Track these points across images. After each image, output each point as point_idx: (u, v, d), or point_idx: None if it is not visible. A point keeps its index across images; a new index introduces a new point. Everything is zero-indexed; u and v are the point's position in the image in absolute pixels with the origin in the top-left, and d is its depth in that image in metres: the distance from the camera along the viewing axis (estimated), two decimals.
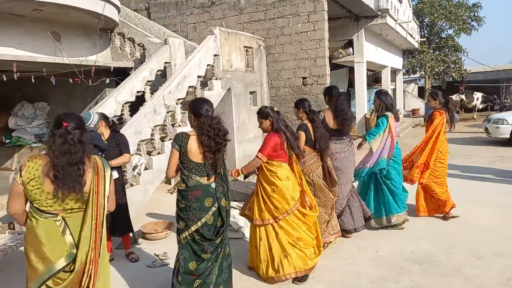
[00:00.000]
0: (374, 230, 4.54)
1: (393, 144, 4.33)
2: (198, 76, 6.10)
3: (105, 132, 3.78)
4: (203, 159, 2.66)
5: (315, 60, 7.84)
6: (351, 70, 11.89)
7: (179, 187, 2.76)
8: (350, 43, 11.20)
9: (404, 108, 19.83)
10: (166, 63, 6.74)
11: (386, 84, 15.65)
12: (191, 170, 2.68)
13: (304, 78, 7.98)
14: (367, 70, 15.49)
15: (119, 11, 7.85)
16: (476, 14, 19.82)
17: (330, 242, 4.05)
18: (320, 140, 3.83)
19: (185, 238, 2.74)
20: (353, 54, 11.11)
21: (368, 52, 11.59)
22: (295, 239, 3.38)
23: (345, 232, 4.25)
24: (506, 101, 16.72)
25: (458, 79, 21.01)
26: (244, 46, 7.44)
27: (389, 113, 4.28)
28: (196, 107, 2.73)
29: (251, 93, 7.78)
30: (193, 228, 2.70)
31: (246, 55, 7.57)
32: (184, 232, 2.73)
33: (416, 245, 4.08)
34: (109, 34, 8.02)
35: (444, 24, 20.16)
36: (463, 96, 19.55)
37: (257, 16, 8.11)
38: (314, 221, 3.56)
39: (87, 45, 7.53)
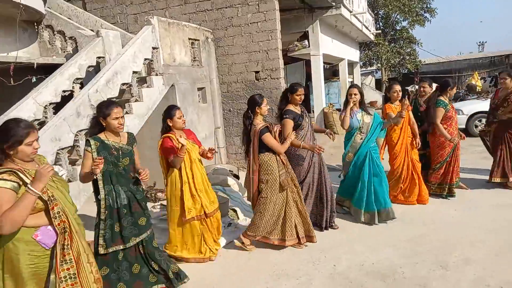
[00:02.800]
0: (332, 238, 4.09)
1: None
2: (134, 72, 5.39)
3: None
4: None
5: (267, 53, 7.31)
6: (308, 63, 11.49)
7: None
8: (305, 36, 10.78)
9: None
10: (99, 57, 5.96)
11: (344, 77, 15.46)
12: None
13: (256, 72, 7.44)
14: (324, 63, 15.21)
15: (45, 1, 6.93)
16: (428, 6, 20.16)
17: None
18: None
19: None
20: (308, 46, 10.69)
21: (324, 45, 11.24)
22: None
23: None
24: (459, 91, 17.08)
25: (413, 71, 21.37)
26: (189, 38, 6.78)
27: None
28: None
29: (200, 89, 7.13)
30: None
31: (192, 48, 6.91)
32: None
33: (378, 255, 3.66)
34: (36, 27, 7.09)
35: (398, 16, 20.36)
36: (417, 87, 19.88)
37: (204, 6, 7.46)
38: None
39: (9, 40, 6.58)
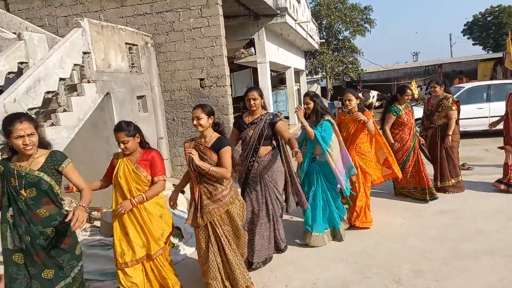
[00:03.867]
0: (282, 255, 3.85)
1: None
2: (61, 79, 4.83)
3: None
4: None
5: (212, 60, 7.01)
6: (255, 71, 11.36)
7: None
8: (252, 43, 10.65)
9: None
10: (21, 63, 5.30)
11: (291, 85, 15.57)
12: None
13: (201, 79, 7.10)
14: (271, 71, 15.23)
15: None
16: (368, 17, 21.06)
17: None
18: None
19: None
20: (255, 54, 10.57)
21: (270, 52, 11.18)
22: None
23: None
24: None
25: (356, 79, 22.15)
26: (126, 43, 6.29)
27: (329, 117, 3.95)
28: None
29: (140, 97, 6.65)
30: None
31: (130, 53, 6.43)
32: None
33: (330, 271, 3.47)
34: None
35: (340, 26, 21.04)
36: (360, 95, 20.57)
37: (142, 9, 7.00)
38: None
39: None
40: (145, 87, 6.73)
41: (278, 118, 3.52)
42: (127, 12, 7.08)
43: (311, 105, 3.99)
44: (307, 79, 21.95)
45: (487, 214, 4.50)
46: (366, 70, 23.54)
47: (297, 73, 18.47)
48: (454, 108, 5.24)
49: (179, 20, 6.96)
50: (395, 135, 5.09)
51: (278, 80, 18.76)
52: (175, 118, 7.26)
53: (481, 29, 35.59)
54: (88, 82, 5.32)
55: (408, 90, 5.07)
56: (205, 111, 2.99)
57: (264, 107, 3.62)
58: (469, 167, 6.63)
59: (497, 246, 3.68)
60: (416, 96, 17.85)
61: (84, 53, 5.28)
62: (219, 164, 2.90)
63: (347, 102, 4.35)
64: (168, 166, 7.31)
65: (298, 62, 16.86)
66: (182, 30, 6.98)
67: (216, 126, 3.07)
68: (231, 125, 7.17)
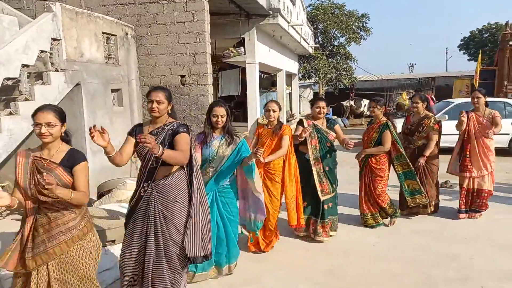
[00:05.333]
0: (242, 269, 3.58)
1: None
2: (24, 65, 4.51)
3: None
4: None
5: (194, 56, 6.73)
6: (244, 71, 11.09)
7: None
8: (242, 42, 10.39)
9: (300, 113, 19.98)
10: None
11: (282, 88, 15.33)
12: None
13: (182, 76, 6.81)
14: (262, 72, 15.00)
15: None
16: (364, 25, 20.92)
17: None
18: None
19: None
20: (244, 54, 10.30)
21: (260, 53, 10.91)
22: None
23: None
24: (389, 108, 17.81)
25: (349, 86, 21.99)
26: (104, 33, 5.98)
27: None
28: None
29: (115, 90, 6.34)
30: None
31: (107, 43, 6.11)
32: None
33: None
34: None
35: (336, 32, 20.87)
36: (352, 102, 20.46)
37: None
38: None
39: None
40: (121, 80, 6.42)
41: (184, 128, 2.65)
42: (109, 1, 6.77)
43: (223, 117, 3.29)
44: (300, 83, 21.74)
45: (464, 238, 4.28)
46: (359, 78, 23.41)
47: (290, 76, 18.24)
48: (435, 128, 4.77)
49: (163, 12, 6.66)
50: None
51: (270, 82, 18.52)
52: None
53: (477, 45, 35.73)
54: (56, 70, 5.01)
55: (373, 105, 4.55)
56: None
57: (171, 114, 2.81)
58: (451, 185, 6.43)
59: (470, 275, 3.45)
60: (407, 106, 17.76)
61: (54, 39, 4.97)
62: (73, 186, 2.23)
63: (268, 112, 3.85)
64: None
65: (290, 65, 16.63)
66: (166, 23, 6.69)
67: (65, 135, 2.33)
68: None
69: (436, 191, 5.02)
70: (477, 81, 13.92)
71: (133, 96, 6.69)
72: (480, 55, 14.50)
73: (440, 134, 4.89)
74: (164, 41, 6.74)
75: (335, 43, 21.46)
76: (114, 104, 6.33)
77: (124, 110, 6.48)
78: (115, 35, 6.26)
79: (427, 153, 4.74)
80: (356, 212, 4.86)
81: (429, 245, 4.11)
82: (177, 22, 6.66)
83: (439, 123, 4.84)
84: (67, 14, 5.18)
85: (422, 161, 4.74)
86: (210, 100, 6.87)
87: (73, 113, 5.47)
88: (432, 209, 5.01)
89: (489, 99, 10.90)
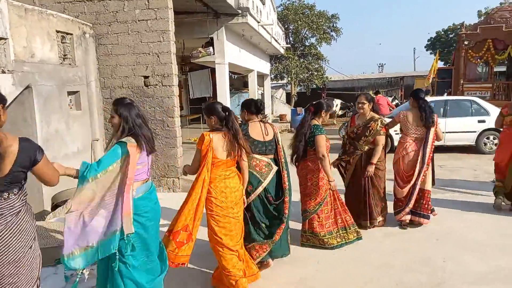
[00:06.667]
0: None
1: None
2: None
3: None
4: None
5: (158, 56, 6.41)
6: (214, 71, 10.83)
7: None
8: (211, 42, 10.13)
9: (272, 114, 19.89)
10: None
11: (254, 88, 15.17)
12: None
13: (146, 77, 6.48)
14: (232, 73, 14.80)
15: None
16: (334, 25, 21.07)
17: None
18: None
19: None
20: (213, 54, 10.05)
21: (230, 54, 10.69)
22: None
23: None
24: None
25: (321, 86, 22.10)
26: (58, 31, 5.58)
27: (128, 139, 2.51)
28: None
29: (72, 93, 5.94)
30: None
31: (62, 43, 5.71)
32: None
33: None
34: None
35: (307, 33, 20.91)
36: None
37: None
38: None
39: None
40: (79, 81, 6.02)
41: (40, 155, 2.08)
42: None
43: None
44: (272, 83, 21.66)
45: (436, 239, 4.20)
46: (331, 78, 23.59)
47: (261, 77, 18.12)
48: (382, 132, 4.36)
49: (124, 10, 6.32)
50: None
51: (242, 83, 18.32)
52: None
53: (443, 45, 36.87)
54: (3, 72, 4.59)
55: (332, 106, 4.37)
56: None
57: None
58: None
59: (443, 279, 3.35)
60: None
61: (0, 38, 4.55)
62: None
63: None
64: None
65: (262, 65, 16.49)
66: (127, 21, 6.34)
67: None
68: (177, 128, 6.61)
69: (384, 202, 4.60)
70: (430, 79, 14.34)
71: (92, 99, 6.30)
72: (437, 55, 15.03)
73: (387, 138, 4.57)
74: (125, 40, 6.39)
75: (306, 43, 21.52)
76: (71, 108, 5.94)
77: (82, 114, 6.09)
78: (71, 34, 5.87)
79: (375, 160, 4.33)
80: None
81: (401, 248, 4.01)
82: (139, 20, 6.33)
83: (386, 126, 4.47)
84: (14, 11, 4.77)
85: (370, 170, 4.34)
86: (176, 102, 6.59)
87: (23, 118, 5.06)
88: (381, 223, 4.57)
89: (456, 97, 11.09)
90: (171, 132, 6.54)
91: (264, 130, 3.48)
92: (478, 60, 12.78)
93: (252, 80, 15.00)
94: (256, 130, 3.46)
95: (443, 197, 5.63)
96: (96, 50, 6.43)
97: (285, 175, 3.50)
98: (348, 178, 4.61)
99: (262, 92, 18.30)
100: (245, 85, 17.04)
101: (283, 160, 3.53)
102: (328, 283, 3.35)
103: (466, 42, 12.38)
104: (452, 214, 4.98)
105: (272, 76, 20.75)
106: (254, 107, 3.49)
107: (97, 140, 6.36)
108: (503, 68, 15.66)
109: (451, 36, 36.64)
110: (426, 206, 4.52)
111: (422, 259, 3.73)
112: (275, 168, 3.48)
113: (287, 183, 3.48)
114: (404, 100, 20.29)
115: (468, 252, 3.84)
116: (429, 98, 10.66)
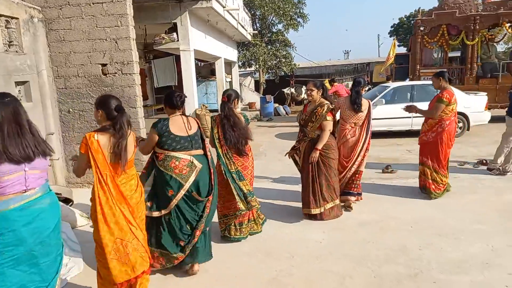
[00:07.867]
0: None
1: None
2: None
3: None
4: None
5: (116, 42, 5.96)
6: (178, 58, 10.37)
7: None
8: (174, 28, 9.65)
9: (241, 102, 19.57)
10: None
11: (221, 76, 14.79)
12: None
13: (103, 65, 6.01)
14: (198, 60, 14.29)
15: None
16: (301, 11, 20.86)
17: None
18: None
19: None
20: (177, 40, 9.59)
21: (195, 40, 10.26)
22: None
23: None
24: (330, 95, 17.97)
25: (289, 73, 21.96)
26: (1, 15, 5.03)
27: None
28: None
29: (21, 83, 5.42)
30: None
31: (7, 28, 5.16)
32: None
33: None
34: None
35: (274, 19, 20.61)
36: (293, 90, 20.47)
37: None
38: None
39: None
40: (28, 70, 5.50)
41: None
42: None
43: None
44: (240, 71, 21.28)
45: (410, 226, 4.14)
46: (299, 65, 23.49)
47: (229, 64, 17.70)
48: (329, 118, 4.22)
49: None
50: None
51: (209, 71, 17.84)
52: (70, 109, 6.10)
53: (405, 31, 37.65)
54: None
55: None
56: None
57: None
58: (392, 170, 6.40)
59: (420, 268, 3.26)
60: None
61: None
62: None
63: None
64: (61, 168, 6.15)
65: (229, 52, 16.07)
66: (80, 4, 5.83)
67: None
68: (140, 120, 6.22)
69: (333, 190, 4.39)
70: (387, 64, 14.64)
71: (45, 89, 5.79)
72: (394, 41, 15.33)
73: (335, 124, 4.48)
74: (79, 25, 5.89)
75: (274, 30, 21.23)
76: (20, 99, 5.40)
77: (34, 106, 5.58)
78: (17, 18, 5.32)
79: (320, 146, 4.20)
80: (298, 207, 4.56)
81: (377, 237, 3.91)
82: (93, 3, 5.83)
83: (332, 110, 4.33)
84: None
85: (314, 155, 4.20)
86: (138, 91, 6.18)
87: None
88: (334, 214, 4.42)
89: (422, 82, 11.14)
90: (134, 123, 6.13)
91: (187, 124, 3.21)
92: (433, 45, 13.00)
93: (219, 67, 14.60)
94: (177, 125, 3.17)
95: (414, 184, 5.59)
96: (46, 36, 5.89)
97: (212, 173, 3.27)
98: (301, 165, 4.55)
99: (230, 80, 17.91)
100: (213, 72, 16.59)
101: (210, 155, 3.31)
102: (304, 280, 3.18)
103: (421, 28, 12.50)
104: (423, 200, 4.95)
105: (240, 63, 20.37)
106: (174, 101, 3.19)
107: (52, 134, 5.87)
108: (457, 54, 16.06)
109: (413, 22, 37.51)
110: (356, 184, 4.73)
111: (398, 248, 3.64)
112: (199, 166, 3.19)
113: (213, 182, 3.26)
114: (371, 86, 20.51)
115: (442, 239, 3.80)
116: (394, 84, 10.76)
